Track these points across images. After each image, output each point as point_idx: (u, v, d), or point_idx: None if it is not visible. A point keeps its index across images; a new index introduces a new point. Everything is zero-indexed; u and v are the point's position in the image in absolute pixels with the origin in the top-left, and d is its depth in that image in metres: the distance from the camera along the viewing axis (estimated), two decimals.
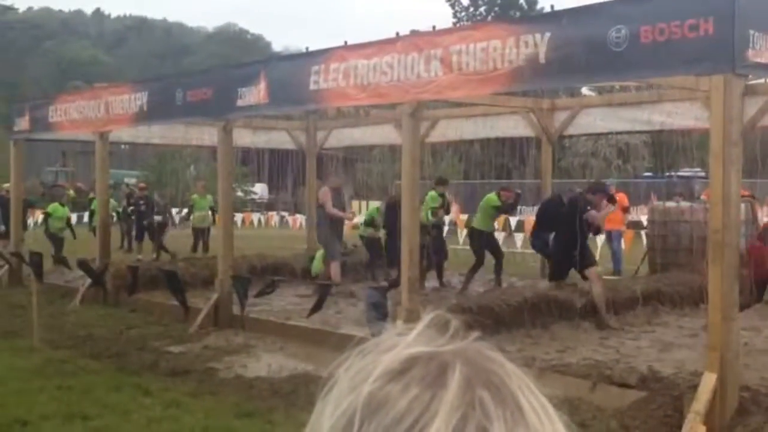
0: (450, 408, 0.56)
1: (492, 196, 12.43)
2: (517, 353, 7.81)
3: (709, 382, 5.50)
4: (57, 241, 15.94)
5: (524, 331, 8.66)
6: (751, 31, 5.19)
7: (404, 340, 0.62)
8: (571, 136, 20.16)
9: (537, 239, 11.20)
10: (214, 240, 16.75)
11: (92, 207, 17.87)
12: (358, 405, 0.58)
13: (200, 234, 17.03)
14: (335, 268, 11.86)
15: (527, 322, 8.78)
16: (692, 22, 5.20)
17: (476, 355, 0.61)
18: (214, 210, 17.69)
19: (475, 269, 12.11)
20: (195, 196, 17.94)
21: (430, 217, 12.08)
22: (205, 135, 13.92)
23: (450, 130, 14.04)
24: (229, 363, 8.03)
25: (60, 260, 13.61)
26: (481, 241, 12.21)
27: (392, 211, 11.14)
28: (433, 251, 12.10)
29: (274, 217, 26.72)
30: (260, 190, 36.94)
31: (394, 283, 10.48)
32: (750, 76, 7.50)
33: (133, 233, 18.63)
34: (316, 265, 12.74)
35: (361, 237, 13.99)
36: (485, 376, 0.59)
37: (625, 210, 15.48)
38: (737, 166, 5.67)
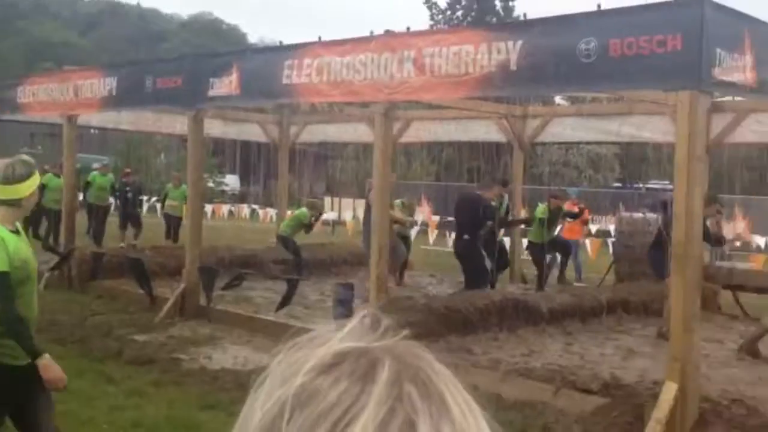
0: (378, 401, 0.57)
1: (540, 208, 12.45)
2: (483, 356, 7.88)
3: (670, 391, 5.59)
4: (52, 216, 14.86)
5: (491, 334, 8.72)
6: (718, 50, 5.28)
7: (336, 335, 0.64)
8: (542, 144, 20.30)
9: None
10: (183, 230, 16.59)
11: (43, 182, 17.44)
12: (289, 397, 0.59)
13: (172, 222, 16.73)
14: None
15: (494, 325, 8.84)
16: (660, 38, 5.28)
17: (405, 352, 0.63)
18: (114, 191, 17.52)
19: (539, 282, 12.09)
20: (95, 173, 17.49)
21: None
22: (176, 123, 13.81)
23: (423, 131, 14.10)
24: (194, 354, 7.99)
25: (49, 247, 13.00)
26: (538, 253, 12.26)
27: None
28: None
29: (245, 209, 26.57)
30: (232, 181, 36.73)
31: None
32: (716, 94, 7.64)
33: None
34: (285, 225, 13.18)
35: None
36: (413, 372, 0.61)
37: (585, 222, 15.58)
38: (701, 181, 5.78)
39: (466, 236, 10.56)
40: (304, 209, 13.58)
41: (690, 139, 5.48)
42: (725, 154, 25.58)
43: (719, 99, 9.65)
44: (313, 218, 13.37)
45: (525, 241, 13.46)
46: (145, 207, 21.79)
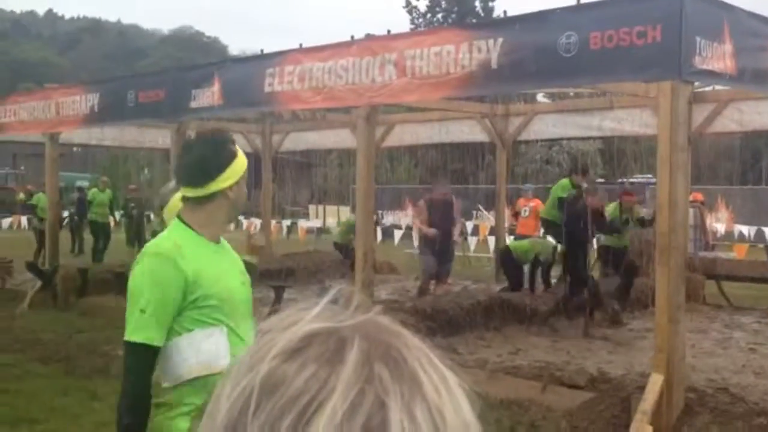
0: (347, 384, 0.55)
1: (610, 207, 10.64)
2: (470, 355, 7.89)
3: (656, 383, 5.60)
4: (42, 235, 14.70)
5: (477, 333, 8.74)
6: (698, 39, 5.31)
7: (305, 317, 0.61)
8: (525, 142, 20.38)
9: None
10: (116, 243, 16.39)
11: (33, 203, 17.33)
12: (255, 385, 0.57)
13: (100, 230, 16.43)
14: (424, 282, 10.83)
15: (480, 324, 8.85)
16: (640, 29, 5.31)
17: (376, 330, 0.60)
18: (113, 207, 17.38)
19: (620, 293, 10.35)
20: (94, 190, 17.41)
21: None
22: (159, 137, 13.76)
23: (406, 134, 14.11)
24: None
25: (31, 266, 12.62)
26: (609, 259, 10.54)
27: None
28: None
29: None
30: None
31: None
32: (697, 83, 7.68)
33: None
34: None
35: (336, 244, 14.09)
36: (384, 350, 0.58)
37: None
38: (684, 171, 5.80)
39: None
40: (352, 216, 13.75)
41: (672, 129, 5.50)
42: (707, 145, 25.77)
43: (700, 89, 9.71)
44: None
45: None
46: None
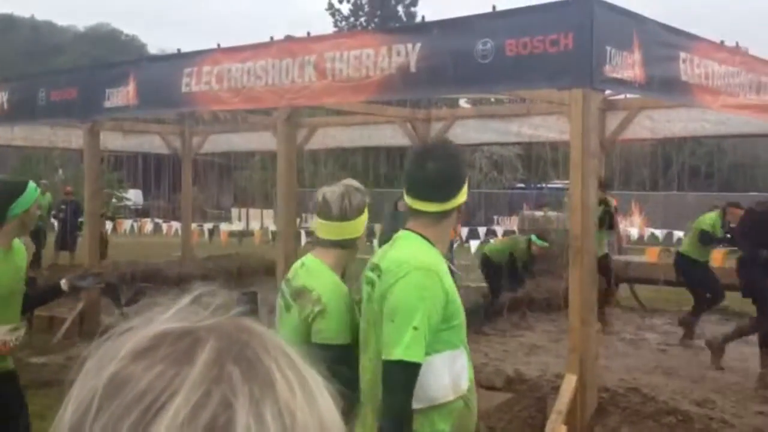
0: (193, 384, 0.54)
1: (709, 216, 9.37)
2: None
3: (569, 383, 5.72)
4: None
5: None
6: (608, 48, 5.46)
7: (161, 318, 0.60)
8: None
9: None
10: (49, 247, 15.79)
11: None
12: (100, 386, 0.55)
13: (43, 236, 15.65)
14: None
15: None
16: (554, 37, 5.42)
17: (233, 330, 0.59)
18: (50, 211, 16.75)
19: (695, 311, 9.48)
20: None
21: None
22: (72, 137, 13.34)
23: (328, 138, 14.07)
24: None
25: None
26: (695, 275, 9.38)
27: None
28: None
29: (149, 223, 25.88)
30: (134, 196, 35.76)
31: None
32: (609, 91, 7.91)
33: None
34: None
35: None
36: (238, 350, 0.57)
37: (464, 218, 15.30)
38: (595, 176, 5.96)
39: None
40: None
41: (584, 135, 5.64)
42: (620, 152, 26.60)
43: (613, 97, 10.00)
44: None
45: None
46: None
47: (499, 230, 20.80)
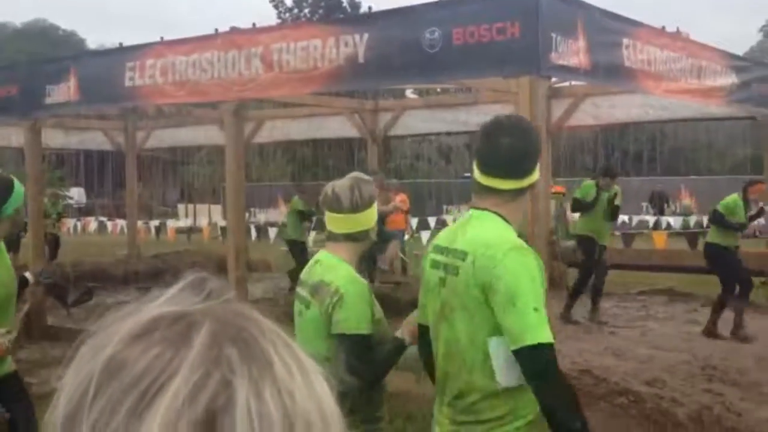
0: (192, 365, 0.54)
1: (731, 197, 8.78)
2: None
3: None
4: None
5: None
6: (554, 35, 5.51)
7: (155, 302, 0.59)
8: (396, 137, 20.65)
9: None
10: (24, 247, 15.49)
11: None
12: (96, 370, 0.55)
13: None
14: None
15: None
16: (500, 25, 5.45)
17: (228, 313, 0.59)
18: None
19: (735, 300, 8.65)
20: None
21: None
22: (13, 135, 12.97)
23: (276, 131, 13.97)
24: (46, 377, 7.52)
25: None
26: (723, 260, 8.64)
27: None
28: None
29: (93, 222, 25.37)
30: (77, 194, 35.01)
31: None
32: (554, 79, 8.01)
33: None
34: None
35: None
36: (234, 332, 0.57)
37: (407, 211, 14.94)
38: (544, 163, 6.01)
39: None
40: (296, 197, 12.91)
41: (532, 122, 5.69)
42: (566, 138, 27.00)
43: (558, 84, 10.13)
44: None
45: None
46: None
47: (449, 219, 20.92)
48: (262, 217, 27.42)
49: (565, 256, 11.58)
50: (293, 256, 12.39)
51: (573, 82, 9.24)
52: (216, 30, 7.71)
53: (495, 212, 2.42)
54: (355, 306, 2.65)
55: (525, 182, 2.43)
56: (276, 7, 40.45)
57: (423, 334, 2.72)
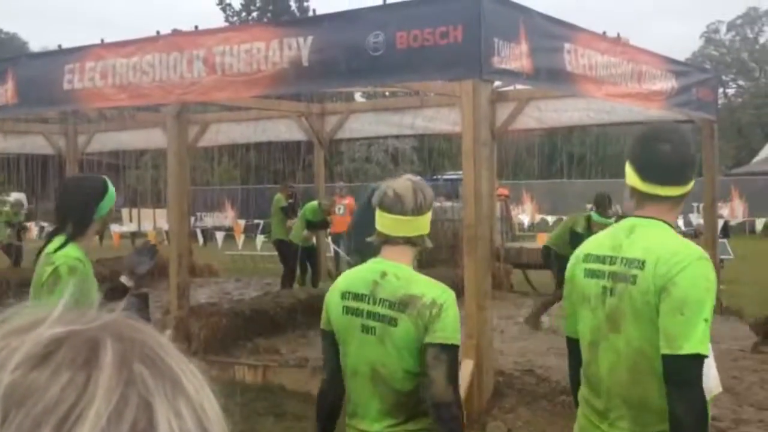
0: (108, 388, 0.52)
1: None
2: (291, 354, 7.86)
3: (467, 367, 5.83)
4: None
5: (299, 332, 8.72)
6: (496, 39, 5.57)
7: (47, 319, 0.57)
8: (343, 140, 20.63)
9: None
10: None
11: None
12: None
13: None
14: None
15: (302, 323, 8.84)
16: (443, 29, 5.49)
17: (125, 329, 0.58)
18: None
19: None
20: None
21: None
22: None
23: (221, 134, 13.81)
24: None
25: None
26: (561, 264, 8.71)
27: None
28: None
29: (34, 228, 24.72)
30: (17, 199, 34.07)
31: None
32: (499, 83, 8.08)
33: None
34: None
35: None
36: (139, 349, 0.56)
37: (352, 213, 14.96)
38: (488, 165, 6.07)
39: None
40: (279, 195, 12.49)
41: (475, 126, 5.75)
42: (510, 142, 27.33)
43: (503, 88, 10.23)
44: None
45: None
46: None
47: None
48: (209, 220, 27.11)
49: (509, 257, 11.71)
50: (282, 259, 11.99)
51: (517, 86, 9.33)
52: (158, 32, 7.60)
53: (662, 220, 2.42)
54: (456, 316, 2.54)
55: (688, 188, 2.43)
56: (224, 10, 40.03)
57: (573, 349, 2.71)
